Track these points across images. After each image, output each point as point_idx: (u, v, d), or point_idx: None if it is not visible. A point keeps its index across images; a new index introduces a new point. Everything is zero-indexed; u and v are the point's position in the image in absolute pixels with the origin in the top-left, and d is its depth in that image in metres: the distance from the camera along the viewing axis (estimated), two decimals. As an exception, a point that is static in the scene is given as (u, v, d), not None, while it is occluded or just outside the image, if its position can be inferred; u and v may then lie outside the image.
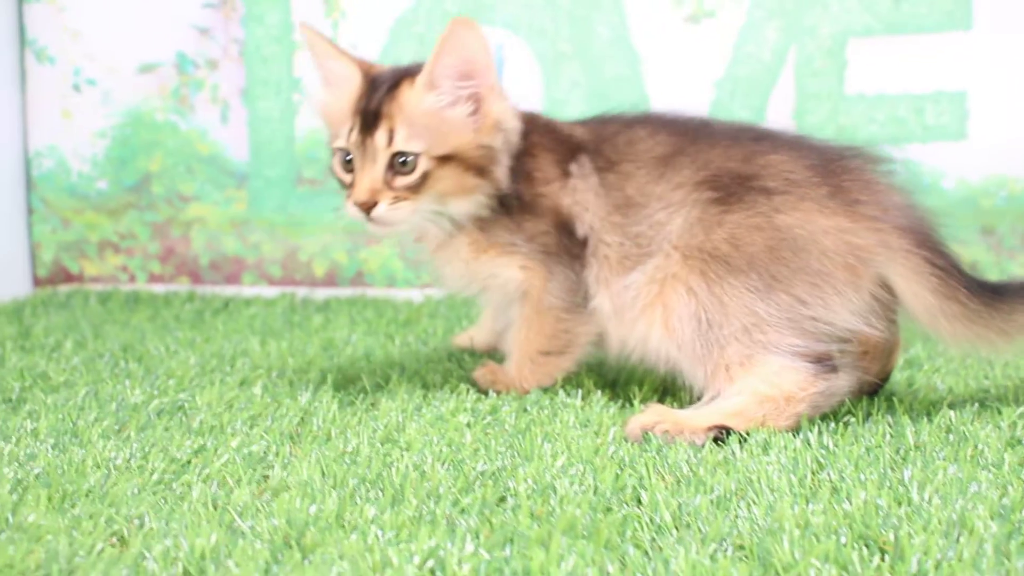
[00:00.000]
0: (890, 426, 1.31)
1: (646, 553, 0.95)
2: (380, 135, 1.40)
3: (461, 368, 1.64)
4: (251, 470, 1.17)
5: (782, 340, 1.30)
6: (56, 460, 1.20)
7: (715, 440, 1.28)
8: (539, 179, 1.45)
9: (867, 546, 0.96)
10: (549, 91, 2.23)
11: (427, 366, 1.64)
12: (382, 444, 1.25)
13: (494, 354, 1.71)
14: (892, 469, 1.16)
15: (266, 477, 1.15)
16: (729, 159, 1.37)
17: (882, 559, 0.93)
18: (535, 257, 1.44)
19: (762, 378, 1.30)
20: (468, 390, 1.48)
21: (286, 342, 1.83)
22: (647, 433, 1.28)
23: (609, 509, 1.05)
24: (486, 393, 1.48)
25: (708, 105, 2.17)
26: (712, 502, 1.07)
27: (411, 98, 1.41)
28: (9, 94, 2.32)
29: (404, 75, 1.44)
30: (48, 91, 2.34)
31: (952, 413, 1.34)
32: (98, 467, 1.19)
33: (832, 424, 1.32)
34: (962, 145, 2.13)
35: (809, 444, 1.25)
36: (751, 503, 1.07)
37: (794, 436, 1.27)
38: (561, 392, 1.46)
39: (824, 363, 1.31)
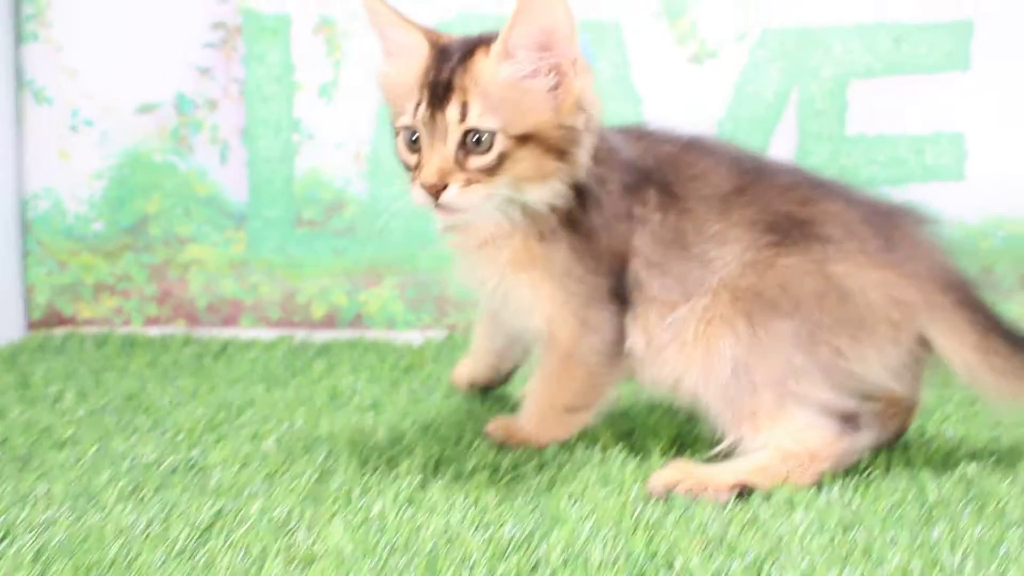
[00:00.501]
0: (911, 481, 1.31)
1: (688, 628, 0.94)
2: (452, 109, 1.28)
3: (473, 419, 1.62)
4: (276, 536, 1.15)
5: (814, 392, 1.29)
6: (75, 527, 1.18)
7: (738, 496, 1.28)
8: (606, 211, 1.35)
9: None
10: (551, 132, 2.22)
11: (439, 417, 1.62)
12: (407, 506, 1.24)
13: (496, 388, 1.70)
14: (920, 528, 1.16)
15: (291, 545, 1.13)
16: (787, 202, 1.35)
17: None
18: (577, 300, 1.35)
19: (787, 433, 1.30)
20: (483, 444, 1.47)
21: (291, 390, 1.82)
22: (670, 491, 1.28)
23: (645, 578, 1.04)
24: (501, 447, 1.47)
25: (710, 146, 2.17)
26: (747, 567, 1.06)
27: (486, 69, 1.28)
28: (6, 135, 2.30)
29: (477, 44, 1.31)
30: (45, 132, 2.31)
31: (971, 467, 1.34)
32: (119, 534, 1.17)
33: (854, 479, 1.32)
34: (960, 186, 2.14)
35: (833, 502, 1.24)
36: (785, 567, 1.07)
37: (817, 492, 1.27)
38: (579, 447, 1.45)
39: (849, 422, 1.31)
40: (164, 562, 1.09)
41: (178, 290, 2.33)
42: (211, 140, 2.31)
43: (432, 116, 1.29)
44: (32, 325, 2.36)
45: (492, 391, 1.71)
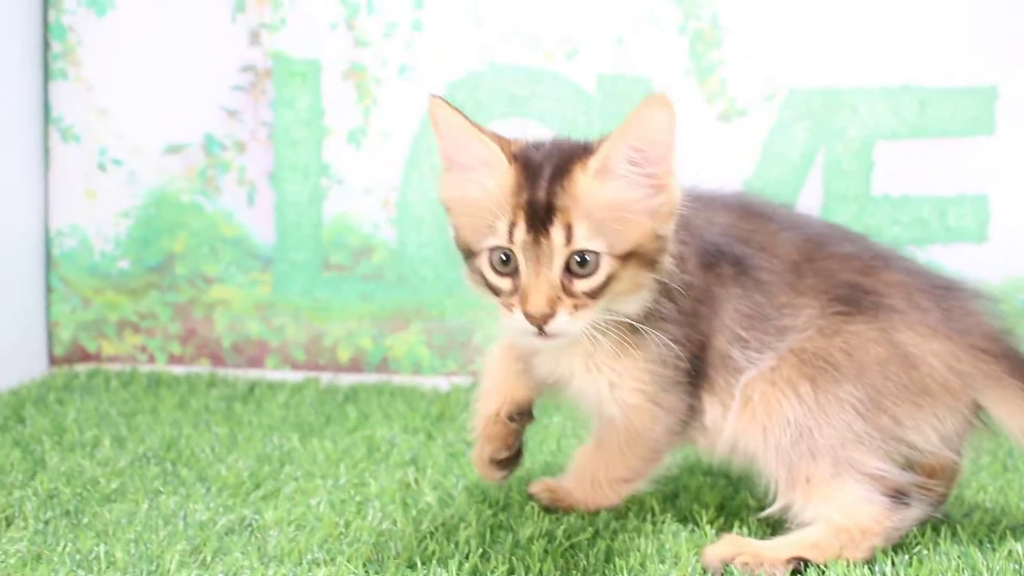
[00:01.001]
0: (961, 559, 1.34)
1: None
2: (556, 232, 1.21)
3: (515, 477, 1.63)
4: (347, 609, 1.17)
5: (870, 463, 1.32)
6: (144, 595, 1.19)
7: (793, 573, 1.30)
8: (690, 293, 1.33)
9: None
10: (580, 184, 2.25)
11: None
12: (472, 577, 1.25)
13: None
14: (978, 611, 1.19)
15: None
16: (851, 271, 1.38)
17: None
18: (659, 386, 1.33)
19: (838, 507, 1.32)
20: (534, 509, 1.48)
21: (328, 441, 1.82)
22: (727, 566, 1.30)
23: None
24: (548, 511, 1.49)
25: (737, 202, 2.21)
26: (817, 653, 1.08)
27: (587, 186, 1.22)
28: (32, 172, 2.30)
29: (571, 158, 1.25)
30: (72, 170, 2.32)
31: (1018, 545, 1.37)
32: (189, 604, 1.18)
33: (903, 555, 1.34)
34: (983, 248, 2.18)
35: (888, 579, 1.27)
36: (854, 654, 1.09)
37: (870, 571, 1.29)
38: (630, 515, 1.47)
39: (899, 497, 1.33)
40: (241, 636, 1.10)
41: (203, 329, 2.34)
42: (238, 182, 2.32)
43: (535, 239, 1.22)
44: (55, 361, 2.36)
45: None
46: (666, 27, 2.21)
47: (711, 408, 1.37)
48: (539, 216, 1.22)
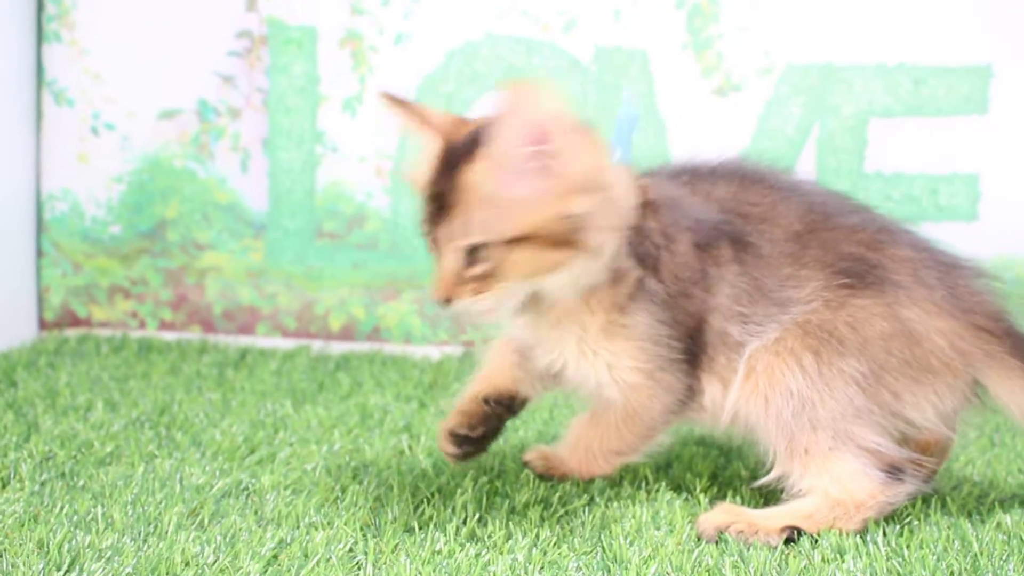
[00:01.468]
0: (952, 529, 1.35)
1: None
2: (445, 227, 1.27)
3: (509, 445, 1.65)
4: (346, 571, 1.17)
5: (867, 436, 1.33)
6: (142, 556, 1.19)
7: (786, 541, 1.31)
8: (680, 275, 1.35)
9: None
10: (574, 156, 2.25)
11: (476, 443, 1.65)
12: (468, 541, 1.26)
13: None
14: (968, 581, 1.21)
15: (365, 581, 1.15)
16: (857, 243, 1.37)
17: None
18: (655, 365, 1.35)
19: (835, 480, 1.33)
20: (529, 476, 1.49)
21: (322, 408, 1.83)
22: (722, 533, 1.31)
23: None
24: (543, 478, 1.50)
25: (731, 177, 2.21)
26: (812, 619, 1.10)
27: (477, 178, 1.24)
28: (24, 135, 2.29)
29: (466, 148, 1.26)
30: (65, 133, 2.30)
31: (1007, 517, 1.39)
32: (187, 565, 1.18)
33: (895, 526, 1.36)
34: (973, 226, 2.19)
35: (880, 549, 1.28)
36: (847, 620, 1.10)
37: (863, 540, 1.31)
38: (624, 482, 1.48)
39: (894, 473, 1.34)
40: (241, 596, 1.11)
41: (194, 296, 2.33)
42: (232, 148, 2.31)
43: (433, 231, 1.28)
44: (45, 325, 2.35)
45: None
46: (663, 0, 2.21)
47: (710, 387, 1.38)
48: (439, 207, 1.27)
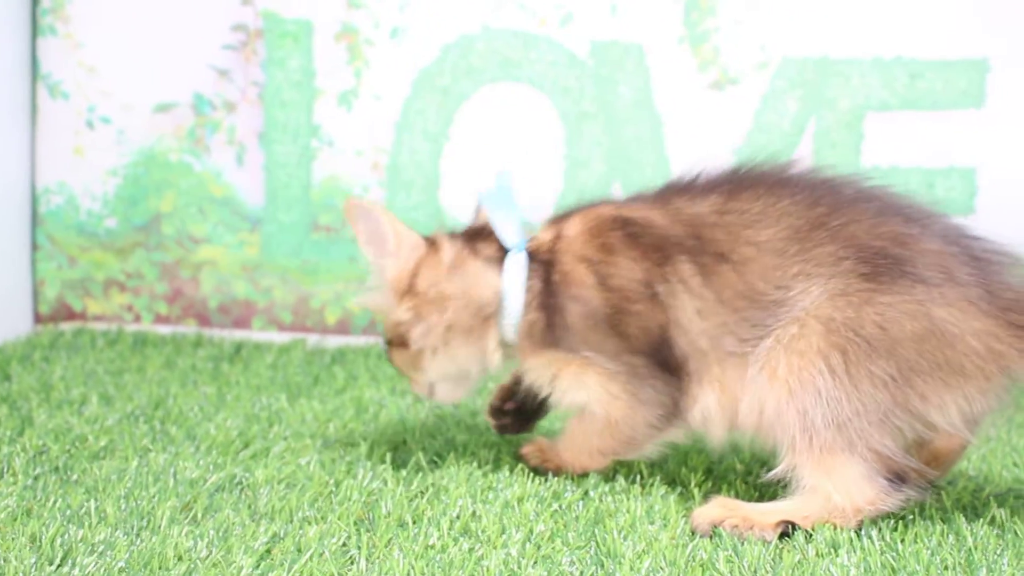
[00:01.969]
0: (946, 524, 1.35)
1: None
2: None
3: (504, 440, 1.65)
4: (338, 565, 1.17)
5: (883, 440, 1.30)
6: (135, 550, 1.19)
7: (781, 535, 1.31)
8: (621, 292, 1.37)
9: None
10: (571, 149, 2.25)
11: (471, 438, 1.65)
12: (462, 536, 1.26)
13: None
14: (963, 575, 1.20)
15: None
16: (878, 237, 1.32)
17: None
18: (624, 378, 1.37)
19: (839, 482, 1.30)
20: (523, 471, 1.49)
21: (316, 401, 1.83)
22: (716, 528, 1.31)
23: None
24: (537, 472, 1.50)
25: (727, 171, 2.21)
26: (805, 614, 1.10)
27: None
28: (19, 129, 2.28)
29: None
30: (60, 127, 2.30)
31: (1001, 511, 1.39)
32: (180, 559, 1.18)
33: (890, 520, 1.35)
34: (970, 220, 2.17)
35: (875, 544, 1.28)
36: (841, 615, 1.10)
37: (857, 535, 1.31)
38: (619, 476, 1.48)
39: (897, 481, 1.32)
40: (233, 591, 1.11)
41: (189, 290, 2.33)
42: (228, 142, 2.31)
43: None
44: (40, 319, 2.35)
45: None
46: (660, -6, 2.21)
47: (704, 397, 1.36)
48: None
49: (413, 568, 1.17)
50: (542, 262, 1.42)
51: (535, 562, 1.19)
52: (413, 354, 1.46)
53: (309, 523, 1.29)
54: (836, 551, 1.26)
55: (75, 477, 1.44)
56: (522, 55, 2.24)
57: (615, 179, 2.24)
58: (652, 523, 1.33)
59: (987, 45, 2.16)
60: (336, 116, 2.29)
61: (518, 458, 1.54)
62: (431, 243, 1.48)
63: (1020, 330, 1.30)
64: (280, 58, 2.28)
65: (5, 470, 1.45)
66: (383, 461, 1.52)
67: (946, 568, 1.22)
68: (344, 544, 1.23)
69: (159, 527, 1.26)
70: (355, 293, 2.30)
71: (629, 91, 2.23)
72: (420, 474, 1.47)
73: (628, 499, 1.40)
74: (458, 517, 1.31)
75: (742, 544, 1.27)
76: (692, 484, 1.46)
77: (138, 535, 1.24)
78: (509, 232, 1.44)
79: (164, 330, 2.31)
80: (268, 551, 1.21)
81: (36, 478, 1.42)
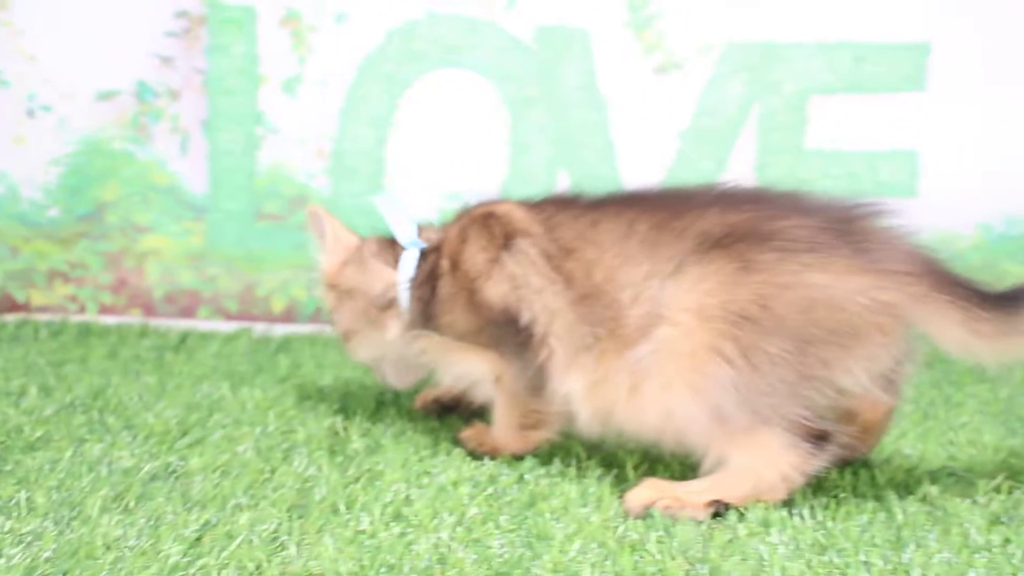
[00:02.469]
0: (877, 502, 1.37)
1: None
2: None
3: (445, 426, 1.65)
4: (268, 552, 1.16)
5: (796, 411, 1.30)
6: (63, 540, 1.18)
7: (714, 515, 1.32)
8: (466, 272, 1.48)
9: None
10: (516, 135, 2.25)
11: (410, 424, 1.65)
12: (394, 521, 1.26)
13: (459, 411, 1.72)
14: (891, 551, 1.21)
15: (285, 562, 1.15)
16: (728, 225, 1.33)
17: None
18: (492, 353, 1.47)
19: (762, 455, 1.32)
20: (460, 455, 1.49)
21: (258, 390, 1.82)
22: (648, 509, 1.31)
23: (637, 603, 1.07)
24: (474, 456, 1.50)
25: (672, 155, 2.22)
26: (731, 592, 1.11)
27: None
28: (-42, 118, 2.25)
29: None
30: (0, 116, 2.27)
31: (933, 488, 1.40)
32: (108, 548, 1.17)
33: (823, 498, 1.36)
34: (912, 202, 2.21)
35: (806, 521, 1.29)
36: (767, 592, 1.11)
37: (789, 513, 1.32)
38: (555, 460, 1.48)
39: (820, 442, 1.34)
40: (159, 579, 1.10)
41: (134, 279, 2.31)
42: (171, 130, 2.29)
43: None
44: (-18, 311, 2.32)
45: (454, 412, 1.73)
46: (604, -22, 2.21)
47: (568, 380, 1.40)
48: None
49: (342, 553, 1.16)
50: (428, 257, 1.55)
51: (465, 545, 1.19)
52: (341, 337, 1.65)
53: (242, 510, 1.28)
54: (768, 529, 1.27)
55: (8, 468, 1.42)
56: (467, 40, 2.24)
57: (560, 164, 2.24)
58: (585, 506, 1.33)
59: (929, 29, 2.17)
60: (280, 103, 2.27)
61: (456, 442, 1.54)
62: (361, 244, 1.64)
63: (901, 275, 1.30)
64: (223, 45, 2.26)
65: (-64, 462, 1.43)
66: (320, 448, 1.52)
67: (875, 545, 1.23)
68: (275, 531, 1.23)
69: (89, 517, 1.25)
70: (301, 281, 2.30)
71: (574, 76, 2.22)
72: (356, 461, 1.47)
73: (564, 482, 1.41)
74: (391, 502, 1.31)
75: (674, 525, 1.28)
76: (629, 466, 1.47)
77: (68, 525, 1.23)
78: (401, 232, 1.59)
79: (109, 321, 2.29)
80: (199, 539, 1.21)
81: (-33, 470, 1.41)
